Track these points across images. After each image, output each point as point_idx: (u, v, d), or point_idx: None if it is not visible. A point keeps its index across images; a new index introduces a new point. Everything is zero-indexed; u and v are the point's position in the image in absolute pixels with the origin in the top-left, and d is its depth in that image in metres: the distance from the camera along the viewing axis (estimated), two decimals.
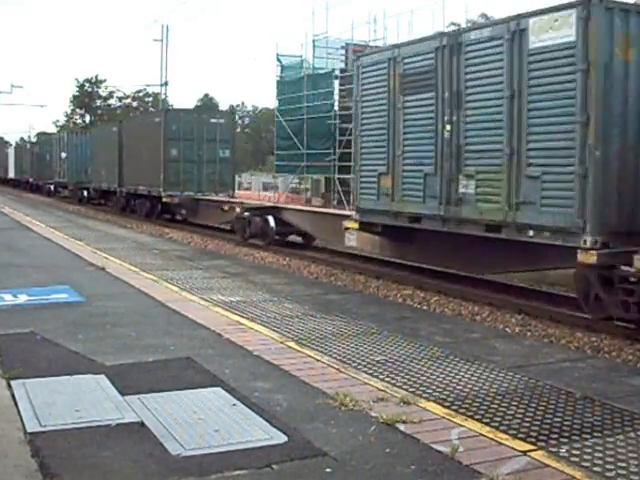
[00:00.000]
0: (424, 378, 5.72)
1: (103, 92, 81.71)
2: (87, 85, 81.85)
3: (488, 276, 12.12)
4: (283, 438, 4.21)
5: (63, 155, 39.47)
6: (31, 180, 50.47)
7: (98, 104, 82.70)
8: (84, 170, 36.67)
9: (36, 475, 3.64)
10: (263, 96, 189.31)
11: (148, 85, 70.14)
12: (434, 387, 5.48)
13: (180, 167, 24.80)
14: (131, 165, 28.17)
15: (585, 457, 4.12)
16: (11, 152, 61.88)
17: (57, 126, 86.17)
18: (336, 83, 31.22)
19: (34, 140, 63.10)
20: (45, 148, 47.41)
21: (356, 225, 13.29)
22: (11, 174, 59.31)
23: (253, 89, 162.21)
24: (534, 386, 5.57)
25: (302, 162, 31.65)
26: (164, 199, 24.55)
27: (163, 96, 44.05)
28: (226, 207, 21.18)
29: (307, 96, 31.39)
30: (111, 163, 30.42)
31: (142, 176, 26.38)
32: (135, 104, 79.10)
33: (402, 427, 4.42)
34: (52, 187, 43.73)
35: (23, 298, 8.56)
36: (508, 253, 10.62)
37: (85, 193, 36.56)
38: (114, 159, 29.97)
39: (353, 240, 13.67)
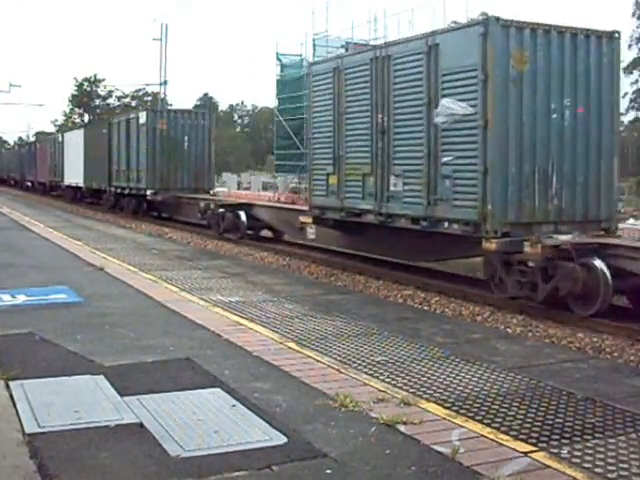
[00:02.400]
0: (425, 379, 5.70)
1: (102, 91, 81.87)
2: (86, 84, 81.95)
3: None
4: (283, 439, 4.19)
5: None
6: (149, 193, 24.85)
7: (97, 103, 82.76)
8: None
9: (35, 476, 3.62)
10: (263, 95, 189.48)
11: (147, 84, 70.06)
12: (435, 388, 5.46)
13: None
14: None
15: (587, 458, 4.11)
16: (72, 139, 34.35)
17: (55, 125, 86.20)
18: None
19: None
20: (182, 122, 24.92)
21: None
22: (72, 179, 33.89)
23: (252, 88, 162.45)
24: (535, 387, 5.55)
25: (302, 161, 31.63)
26: None
27: (162, 95, 43.98)
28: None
29: (307, 95, 31.35)
30: None
31: None
32: (134, 103, 79.10)
33: (402, 428, 4.40)
34: (244, 217, 19.22)
35: (21, 298, 8.54)
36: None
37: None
38: None
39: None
